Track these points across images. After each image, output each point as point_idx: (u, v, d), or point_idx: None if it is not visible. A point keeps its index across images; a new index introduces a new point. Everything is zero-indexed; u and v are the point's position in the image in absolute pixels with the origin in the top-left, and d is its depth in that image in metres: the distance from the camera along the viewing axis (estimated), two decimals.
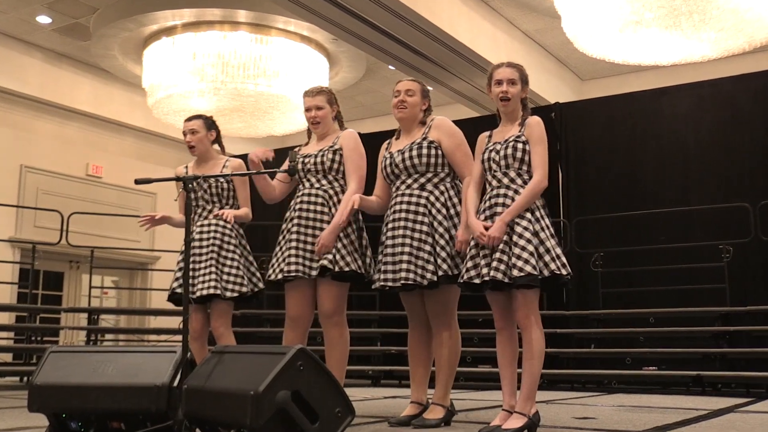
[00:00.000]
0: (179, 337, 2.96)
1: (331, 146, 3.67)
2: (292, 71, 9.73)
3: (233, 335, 3.99)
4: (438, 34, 8.60)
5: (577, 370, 6.87)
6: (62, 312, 10.03)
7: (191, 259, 3.93)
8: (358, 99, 12.41)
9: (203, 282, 3.89)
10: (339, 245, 3.54)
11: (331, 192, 3.65)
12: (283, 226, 3.72)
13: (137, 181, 3.22)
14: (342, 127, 3.85)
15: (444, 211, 3.44)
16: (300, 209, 3.64)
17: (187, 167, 4.20)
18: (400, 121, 3.62)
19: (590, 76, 11.81)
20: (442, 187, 3.48)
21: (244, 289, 3.94)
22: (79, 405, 2.88)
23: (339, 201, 3.62)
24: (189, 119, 4.15)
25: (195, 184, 3.95)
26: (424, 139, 3.50)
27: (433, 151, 3.47)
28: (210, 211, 4.03)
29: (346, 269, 3.51)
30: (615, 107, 8.02)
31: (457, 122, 3.69)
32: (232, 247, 3.97)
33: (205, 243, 3.96)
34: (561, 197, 7.91)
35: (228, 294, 3.89)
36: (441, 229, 3.40)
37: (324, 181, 3.66)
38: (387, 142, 3.72)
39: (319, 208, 3.61)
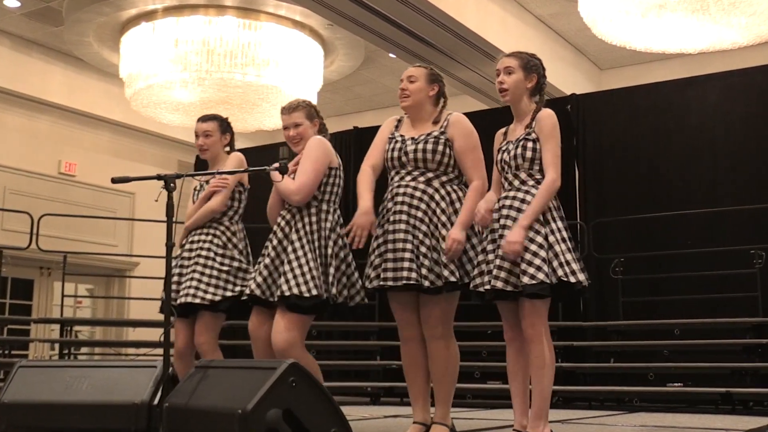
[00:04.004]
0: (160, 351, 2.96)
1: None
2: (283, 60, 9.73)
3: (221, 353, 3.91)
4: (443, 18, 8.61)
5: (595, 387, 6.86)
6: (32, 323, 10.04)
7: (180, 263, 3.93)
8: (355, 90, 12.43)
9: (184, 289, 3.84)
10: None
11: (314, 218, 3.64)
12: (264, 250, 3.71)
13: (114, 180, 3.22)
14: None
15: (448, 212, 3.43)
16: (281, 229, 3.66)
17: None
18: (405, 110, 3.64)
19: (610, 65, 11.82)
20: (448, 188, 3.48)
21: (224, 293, 3.80)
22: (51, 424, 2.89)
23: (322, 224, 3.61)
24: (203, 119, 4.11)
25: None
26: (442, 133, 3.51)
27: (447, 150, 3.49)
28: None
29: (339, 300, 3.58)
30: (637, 99, 8.02)
31: (464, 115, 3.69)
32: (218, 249, 3.91)
33: (195, 246, 3.94)
34: (578, 198, 7.91)
35: (209, 297, 3.77)
36: (444, 232, 3.40)
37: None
38: (396, 119, 3.71)
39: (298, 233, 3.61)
